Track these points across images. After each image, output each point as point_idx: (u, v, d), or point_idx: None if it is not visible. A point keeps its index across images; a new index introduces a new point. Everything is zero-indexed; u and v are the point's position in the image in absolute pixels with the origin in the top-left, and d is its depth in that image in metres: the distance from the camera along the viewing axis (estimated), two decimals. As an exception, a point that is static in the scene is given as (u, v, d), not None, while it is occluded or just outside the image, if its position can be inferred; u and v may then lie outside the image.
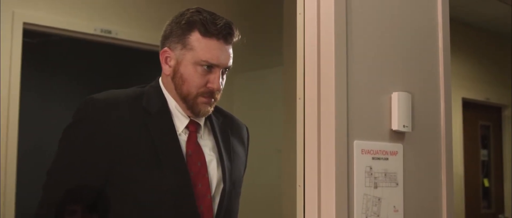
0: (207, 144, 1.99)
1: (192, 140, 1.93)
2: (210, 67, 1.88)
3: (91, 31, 3.62)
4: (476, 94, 5.85)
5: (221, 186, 1.96)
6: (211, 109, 1.95)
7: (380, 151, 2.22)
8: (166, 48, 1.92)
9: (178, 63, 1.90)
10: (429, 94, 2.45)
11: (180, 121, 1.93)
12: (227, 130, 2.09)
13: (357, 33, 2.19)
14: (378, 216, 2.21)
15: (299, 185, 2.15)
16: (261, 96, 4.19)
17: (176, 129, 1.90)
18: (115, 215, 1.83)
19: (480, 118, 6.05)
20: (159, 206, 1.81)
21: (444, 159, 2.48)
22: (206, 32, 1.87)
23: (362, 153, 2.16)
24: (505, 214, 6.15)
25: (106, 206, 1.84)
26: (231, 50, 1.93)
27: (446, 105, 2.49)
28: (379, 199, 2.21)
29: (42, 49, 4.91)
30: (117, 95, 1.90)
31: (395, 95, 2.25)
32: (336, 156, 2.07)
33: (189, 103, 1.90)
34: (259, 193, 3.79)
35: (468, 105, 5.75)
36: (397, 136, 2.28)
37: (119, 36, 3.72)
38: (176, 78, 1.90)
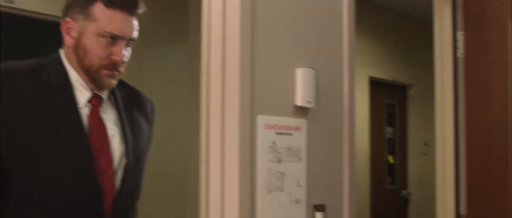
0: (110, 117, 1.95)
1: (94, 113, 1.89)
2: (113, 39, 1.84)
3: (-7, 1, 3.48)
4: (383, 74, 6.00)
5: (124, 161, 1.93)
6: (114, 82, 1.92)
7: (284, 126, 2.25)
8: (68, 18, 1.86)
9: (80, 35, 1.85)
10: (333, 71, 2.50)
11: (82, 94, 1.88)
12: (131, 104, 2.06)
13: (263, 10, 2.21)
14: (281, 190, 2.25)
15: (203, 160, 2.16)
16: (168, 72, 4.16)
17: (78, 102, 1.85)
18: (16, 192, 1.78)
19: (386, 97, 6.22)
20: (60, 181, 1.77)
21: (347, 134, 2.54)
22: (110, 3, 1.83)
23: (266, 128, 2.19)
24: (408, 190, 6.37)
25: (7, 184, 1.78)
26: (135, 22, 1.90)
27: (350, 82, 2.55)
28: (282, 174, 2.25)
29: None
30: (16, 66, 1.83)
31: (299, 72, 2.29)
32: (239, 131, 2.09)
33: (91, 76, 1.86)
34: (164, 168, 3.77)
35: (375, 84, 5.88)
36: (301, 111, 2.32)
37: (22, 7, 3.59)
38: (79, 50, 1.85)
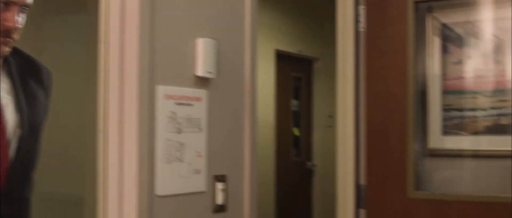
0: (3, 86, 1.87)
1: (-14, 82, 1.81)
2: (6, 4, 1.75)
3: None
4: (289, 47, 6.06)
5: (18, 131, 1.86)
6: (7, 49, 1.83)
7: (184, 96, 2.23)
8: (-45, -18, 1.76)
9: (-30, -1, 1.75)
10: (234, 42, 2.49)
11: (-28, 61, 1.79)
12: (26, 72, 1.97)
13: (164, -22, 2.16)
14: (181, 161, 2.23)
15: (101, 130, 2.10)
16: (66, 40, 4.03)
17: (-33, 70, 1.77)
18: None
19: (292, 70, 6.30)
20: None
21: (248, 106, 2.54)
22: (1, -34, 1.74)
23: (165, 98, 2.16)
24: (313, 162, 6.50)
25: None
26: (29, -13, 1.82)
27: (252, 54, 2.55)
28: (182, 144, 2.22)
29: None
30: None
31: (200, 42, 2.26)
32: (138, 101, 2.05)
33: (-18, 43, 1.77)
34: (62, 139, 3.68)
35: (281, 57, 5.94)
36: (202, 82, 2.30)
37: None
38: (-32, 15, 1.76)
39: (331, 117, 6.26)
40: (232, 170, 2.47)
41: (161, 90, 2.14)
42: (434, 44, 2.88)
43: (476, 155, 2.84)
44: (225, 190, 2.41)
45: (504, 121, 2.72)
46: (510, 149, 2.69)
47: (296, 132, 6.41)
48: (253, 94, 2.57)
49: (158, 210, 2.16)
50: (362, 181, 2.82)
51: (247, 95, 2.54)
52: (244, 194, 2.54)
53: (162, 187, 2.16)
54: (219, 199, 2.39)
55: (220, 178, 2.39)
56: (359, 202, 2.84)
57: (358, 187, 2.84)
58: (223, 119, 2.42)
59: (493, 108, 2.75)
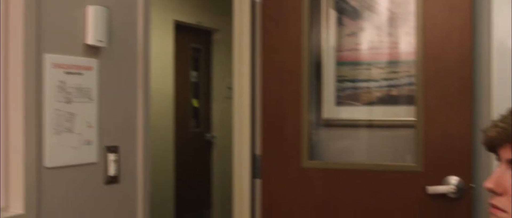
0: None
1: None
2: None
3: None
4: (188, 18, 6.00)
5: None
6: None
7: (73, 65, 2.15)
8: None
9: None
10: (127, 11, 2.42)
11: None
12: None
13: None
14: (71, 131, 2.16)
15: (-16, 100, 2.00)
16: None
17: None
18: None
19: (191, 41, 6.25)
20: None
21: (141, 76, 2.49)
22: None
23: (53, 67, 2.07)
24: (212, 133, 6.51)
25: None
26: None
27: (145, 23, 2.49)
28: (72, 115, 2.15)
29: None
30: None
31: (90, 9, 2.19)
32: (24, 70, 1.96)
33: None
34: None
35: (180, 28, 5.87)
36: (92, 50, 2.23)
37: None
38: None
39: (230, 88, 6.29)
40: (125, 141, 2.43)
41: (49, 59, 2.05)
42: (329, 16, 2.92)
43: (368, 125, 2.93)
44: (117, 161, 2.36)
45: (395, 91, 2.81)
46: (400, 118, 2.79)
47: (195, 103, 6.39)
48: (147, 64, 2.52)
49: (47, 182, 2.09)
50: (258, 151, 2.84)
51: (140, 65, 2.49)
52: (138, 165, 2.51)
53: (51, 159, 2.09)
54: (111, 170, 2.34)
55: (112, 149, 2.34)
56: (255, 172, 2.86)
57: (253, 157, 2.86)
58: (115, 88, 2.36)
59: (384, 79, 2.83)
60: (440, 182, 2.49)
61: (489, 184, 1.17)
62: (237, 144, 2.92)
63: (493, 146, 1.19)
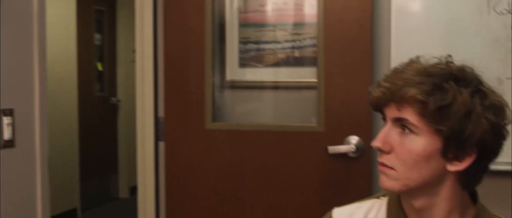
0: None
1: None
2: None
3: None
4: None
5: None
6: None
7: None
8: None
9: None
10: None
11: None
12: None
13: None
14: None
15: None
16: None
17: None
18: None
19: (94, 3, 6.08)
20: None
21: (36, 36, 2.40)
22: None
23: None
24: (118, 97, 6.40)
25: None
26: None
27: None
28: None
29: None
30: None
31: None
32: None
33: None
34: None
35: (82, -11, 5.71)
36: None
37: None
38: None
39: (135, 51, 6.18)
40: (20, 103, 2.33)
41: None
42: (233, -23, 2.90)
43: (274, 87, 2.95)
44: (12, 125, 2.27)
45: (298, 53, 2.84)
46: (304, 80, 2.82)
47: (99, 66, 6.25)
48: (42, 24, 2.43)
49: None
50: (161, 113, 2.81)
51: (35, 25, 2.38)
52: (35, 128, 2.42)
53: None
54: (6, 134, 2.25)
55: (7, 112, 2.25)
56: (158, 135, 2.83)
57: (157, 120, 2.83)
58: (9, 50, 2.26)
59: (288, 41, 2.84)
60: (341, 142, 2.54)
61: (376, 143, 1.19)
62: (140, 106, 2.88)
63: (378, 106, 1.22)
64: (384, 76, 1.21)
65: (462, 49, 2.42)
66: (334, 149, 2.53)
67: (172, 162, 2.78)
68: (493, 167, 2.28)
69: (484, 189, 2.40)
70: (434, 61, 1.21)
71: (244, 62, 2.91)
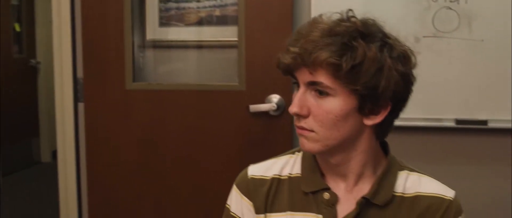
0: None
1: None
2: None
3: None
4: None
5: None
6: None
7: None
8: None
9: None
10: None
11: None
12: None
13: None
14: None
15: None
16: None
17: None
18: None
19: (9, -39, 5.84)
20: None
21: None
22: None
23: None
24: (37, 59, 6.21)
25: None
26: None
27: None
28: None
29: None
30: None
31: None
32: None
33: None
34: None
35: None
36: None
37: None
38: None
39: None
40: None
41: None
42: None
43: (196, 46, 2.93)
44: None
45: (219, 12, 2.82)
46: (226, 39, 2.81)
47: (17, 27, 6.03)
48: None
49: None
50: (80, 74, 2.75)
51: None
52: None
53: None
54: None
55: None
56: (78, 96, 2.78)
57: (76, 81, 2.77)
58: None
59: (208, 0, 2.82)
60: (263, 100, 2.56)
61: (294, 108, 1.19)
62: (58, 67, 2.81)
63: (289, 71, 1.21)
64: (290, 40, 1.20)
65: (380, 7, 2.46)
66: (255, 107, 2.54)
67: (93, 123, 2.73)
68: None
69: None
70: (336, 17, 1.20)
71: (164, 22, 2.87)
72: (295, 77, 1.21)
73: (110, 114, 2.70)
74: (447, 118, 2.52)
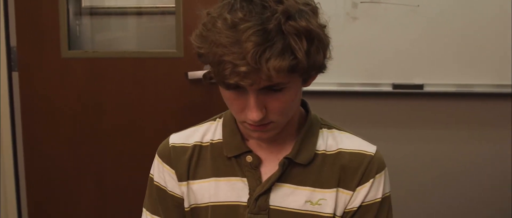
0: None
1: None
2: None
3: None
4: None
5: None
6: None
7: None
8: None
9: None
10: None
11: None
12: None
13: None
14: None
15: None
16: None
17: None
18: None
19: None
20: None
21: None
22: None
23: None
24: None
25: None
26: None
27: None
28: None
29: None
30: None
31: None
32: None
33: None
34: None
35: None
36: None
37: None
38: None
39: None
40: None
41: None
42: None
43: (133, 12, 2.88)
44: None
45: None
46: (165, 5, 2.77)
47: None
48: None
49: None
50: (13, 42, 2.68)
51: None
52: None
53: None
54: None
55: None
56: (12, 65, 2.71)
57: (9, 50, 2.70)
58: None
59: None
60: (202, 67, 2.54)
61: (257, 117, 1.11)
62: (-11, 36, 2.73)
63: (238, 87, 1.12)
64: (227, 54, 1.05)
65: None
66: (193, 74, 2.52)
67: (28, 92, 2.67)
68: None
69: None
70: (251, 8, 1.07)
71: (101, -12, 2.82)
72: (239, 86, 1.10)
73: (46, 83, 2.65)
74: (385, 82, 2.55)
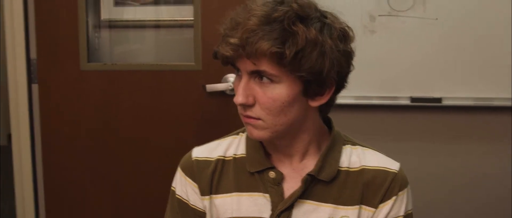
0: None
1: None
2: None
3: None
4: None
5: None
6: None
7: None
8: None
9: None
10: None
11: None
12: None
13: None
14: None
15: None
16: None
17: None
18: None
19: None
20: None
21: None
22: None
23: None
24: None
25: None
26: None
27: None
28: None
29: None
30: None
31: None
32: None
33: None
34: None
35: None
36: None
37: None
38: None
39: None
40: None
41: None
42: None
43: (151, 25, 2.89)
44: None
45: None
46: (183, 18, 2.78)
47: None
48: None
49: None
50: (33, 55, 2.70)
51: None
52: None
53: None
54: None
55: None
56: (31, 77, 2.73)
57: (29, 62, 2.72)
58: None
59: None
60: (219, 80, 2.55)
61: (240, 99, 1.16)
62: (10, 47, 2.75)
63: (229, 62, 1.18)
64: (227, 29, 1.17)
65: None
66: (211, 87, 2.53)
67: (47, 105, 2.69)
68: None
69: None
70: (268, 1, 1.17)
71: (119, 1, 2.83)
72: (235, 67, 1.19)
73: (65, 95, 2.66)
74: (402, 96, 2.54)
